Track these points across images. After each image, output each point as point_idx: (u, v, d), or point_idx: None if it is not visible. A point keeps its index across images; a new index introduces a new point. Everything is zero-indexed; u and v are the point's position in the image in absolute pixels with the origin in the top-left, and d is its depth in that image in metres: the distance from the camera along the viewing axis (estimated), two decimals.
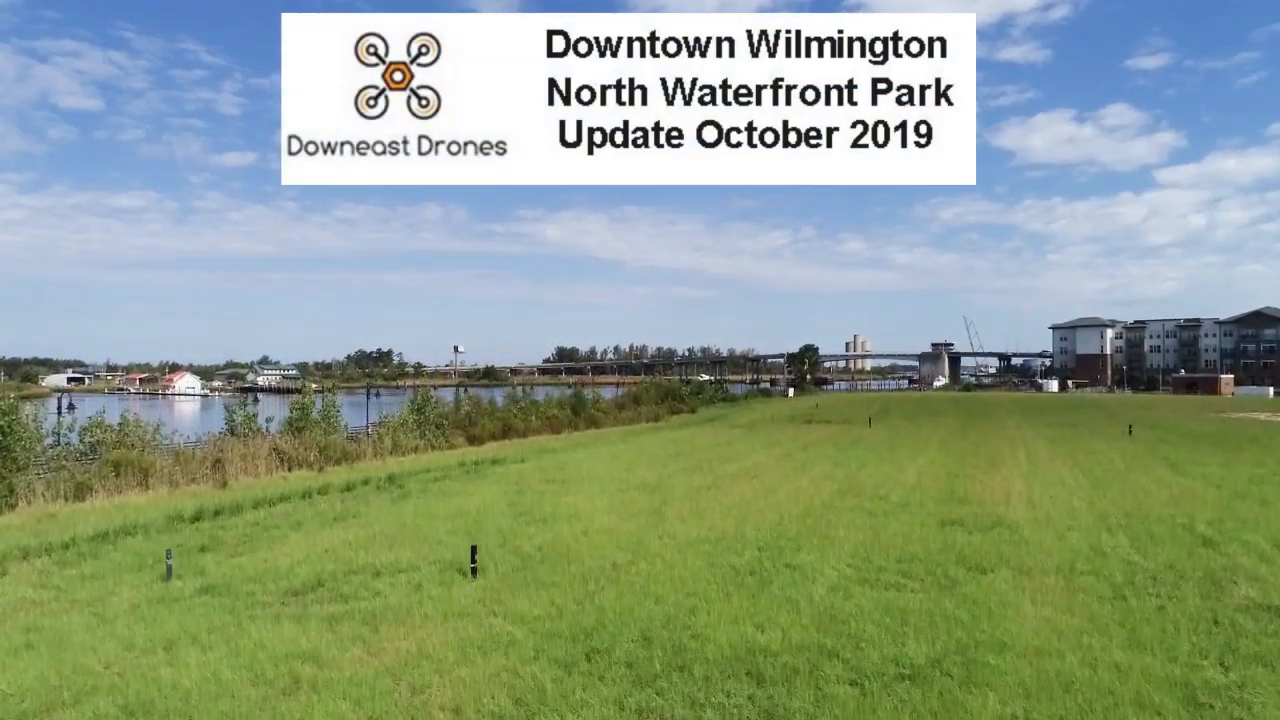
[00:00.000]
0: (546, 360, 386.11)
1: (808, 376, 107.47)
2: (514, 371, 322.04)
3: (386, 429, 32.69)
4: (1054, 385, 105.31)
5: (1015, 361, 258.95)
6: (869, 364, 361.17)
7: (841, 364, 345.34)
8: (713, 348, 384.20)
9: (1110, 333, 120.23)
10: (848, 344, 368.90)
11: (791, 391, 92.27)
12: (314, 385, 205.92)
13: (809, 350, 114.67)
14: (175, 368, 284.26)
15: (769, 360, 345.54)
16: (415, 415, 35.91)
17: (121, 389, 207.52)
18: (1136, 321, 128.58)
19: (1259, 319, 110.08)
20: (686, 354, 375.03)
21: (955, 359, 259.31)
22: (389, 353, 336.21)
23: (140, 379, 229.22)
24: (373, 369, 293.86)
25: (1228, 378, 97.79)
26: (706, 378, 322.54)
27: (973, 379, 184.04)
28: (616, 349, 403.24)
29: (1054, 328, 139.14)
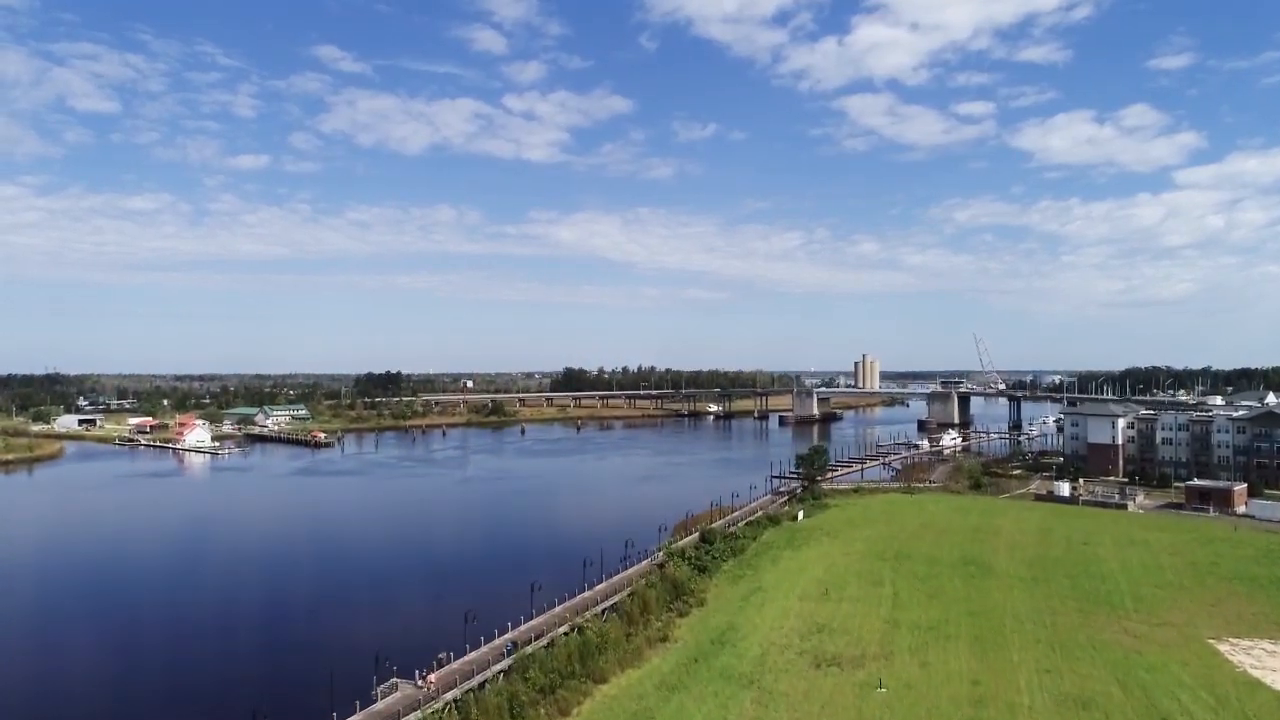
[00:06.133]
0: (555, 381, 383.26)
1: (818, 478, 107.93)
2: (522, 402, 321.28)
3: None
4: (1065, 489, 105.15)
5: (1025, 380, 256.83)
6: (878, 379, 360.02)
7: (850, 384, 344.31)
8: (721, 369, 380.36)
9: (1122, 422, 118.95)
10: (856, 364, 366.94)
11: (801, 515, 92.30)
12: (322, 435, 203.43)
13: (818, 456, 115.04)
14: (184, 402, 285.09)
15: (780, 377, 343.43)
16: None
17: (132, 439, 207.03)
18: (1148, 411, 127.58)
19: (1271, 419, 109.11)
20: (695, 375, 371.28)
21: (965, 400, 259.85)
22: (398, 375, 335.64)
23: (151, 425, 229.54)
24: (381, 399, 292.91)
25: (1241, 489, 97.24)
26: (715, 409, 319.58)
27: (980, 438, 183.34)
28: (625, 369, 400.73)
29: (1065, 413, 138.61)
